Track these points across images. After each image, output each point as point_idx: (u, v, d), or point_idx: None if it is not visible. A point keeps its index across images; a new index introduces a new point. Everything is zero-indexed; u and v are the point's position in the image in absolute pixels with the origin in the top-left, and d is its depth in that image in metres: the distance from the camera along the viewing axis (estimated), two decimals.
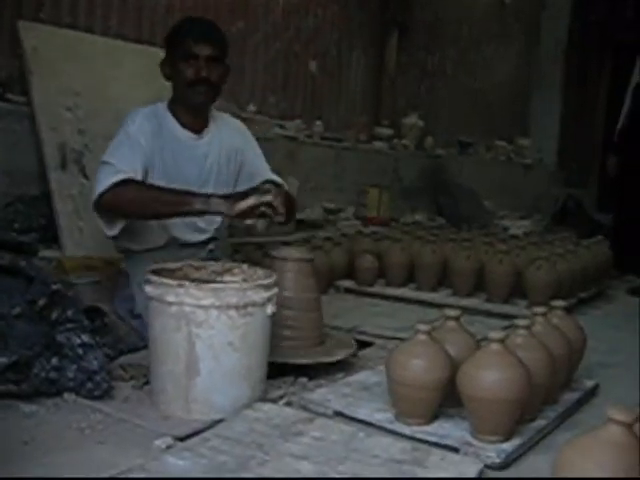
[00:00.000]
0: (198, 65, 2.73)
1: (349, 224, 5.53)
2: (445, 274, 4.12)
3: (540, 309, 2.41)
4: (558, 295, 3.57)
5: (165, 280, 2.07)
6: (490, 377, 1.92)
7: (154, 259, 2.49)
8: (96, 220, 2.69)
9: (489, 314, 3.73)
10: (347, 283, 4.16)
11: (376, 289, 4.11)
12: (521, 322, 2.20)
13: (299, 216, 5.04)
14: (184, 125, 2.83)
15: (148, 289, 2.09)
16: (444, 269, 4.11)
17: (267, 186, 2.56)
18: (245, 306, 2.05)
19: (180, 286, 2.02)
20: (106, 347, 2.39)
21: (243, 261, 2.51)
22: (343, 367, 2.64)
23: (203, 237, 2.90)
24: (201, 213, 2.54)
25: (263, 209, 2.42)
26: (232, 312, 2.03)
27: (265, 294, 2.12)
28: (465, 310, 3.63)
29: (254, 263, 2.62)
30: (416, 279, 4.17)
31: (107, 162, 2.59)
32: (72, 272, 3.09)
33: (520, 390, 1.93)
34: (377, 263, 4.16)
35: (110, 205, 2.55)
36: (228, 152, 2.94)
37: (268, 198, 2.41)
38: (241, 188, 2.87)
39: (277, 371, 2.42)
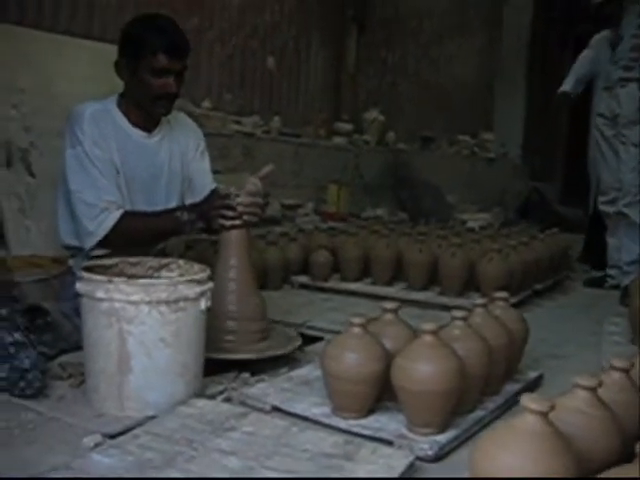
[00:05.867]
0: (168, 81, 2.65)
1: (308, 220, 5.52)
2: (400, 268, 4.11)
3: (480, 300, 2.41)
4: (511, 287, 3.58)
5: (94, 276, 2.04)
6: (421, 369, 1.90)
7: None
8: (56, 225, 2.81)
9: (443, 307, 3.72)
10: (302, 279, 4.15)
11: (330, 284, 4.10)
12: (458, 313, 2.19)
13: None
14: (134, 124, 2.79)
15: (78, 286, 2.07)
16: (399, 263, 4.10)
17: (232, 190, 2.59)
18: (176, 301, 2.02)
19: (110, 282, 1.99)
20: (42, 345, 2.36)
21: (180, 256, 2.48)
22: (288, 362, 2.62)
23: None
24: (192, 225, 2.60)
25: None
26: (163, 308, 2.00)
27: (198, 289, 2.09)
28: (419, 303, 3.68)
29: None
30: (371, 273, 4.17)
31: (89, 202, 2.58)
32: (16, 270, 3.04)
33: (453, 381, 1.91)
34: (332, 258, 4.15)
35: (110, 244, 2.61)
36: (179, 152, 2.93)
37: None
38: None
39: (221, 367, 2.40)
